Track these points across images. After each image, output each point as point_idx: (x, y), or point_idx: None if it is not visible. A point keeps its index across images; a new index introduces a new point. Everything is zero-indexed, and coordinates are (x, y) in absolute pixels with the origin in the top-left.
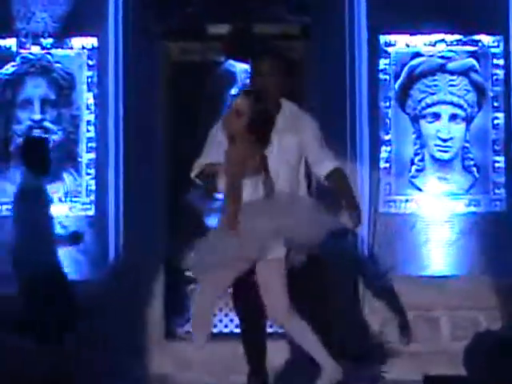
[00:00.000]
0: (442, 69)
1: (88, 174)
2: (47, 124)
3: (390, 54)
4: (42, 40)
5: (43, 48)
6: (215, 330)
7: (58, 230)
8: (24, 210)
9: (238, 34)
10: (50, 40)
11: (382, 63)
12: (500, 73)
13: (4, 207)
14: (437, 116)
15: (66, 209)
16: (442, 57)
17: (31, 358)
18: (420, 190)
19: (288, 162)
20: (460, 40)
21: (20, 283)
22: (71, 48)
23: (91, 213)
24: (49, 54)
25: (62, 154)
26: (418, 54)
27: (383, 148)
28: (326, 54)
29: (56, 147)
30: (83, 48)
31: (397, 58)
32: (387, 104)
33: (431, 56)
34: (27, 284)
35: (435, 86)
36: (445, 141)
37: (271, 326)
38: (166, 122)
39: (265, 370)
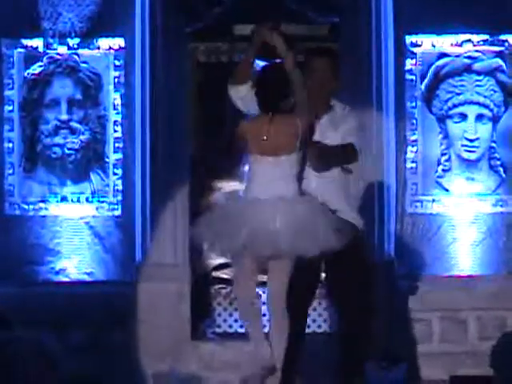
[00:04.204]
0: (468, 69)
1: (115, 174)
2: (74, 124)
3: (416, 54)
4: (68, 40)
5: (70, 48)
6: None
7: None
8: None
9: None
10: (77, 40)
11: (409, 63)
12: None
13: (31, 207)
14: (463, 116)
15: (92, 209)
16: (469, 57)
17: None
18: (446, 190)
19: None
20: (486, 40)
21: None
22: (98, 48)
23: (118, 213)
24: (75, 54)
25: (88, 154)
26: (444, 55)
27: (409, 148)
28: (352, 55)
29: (83, 147)
30: (110, 48)
31: (423, 58)
32: (413, 104)
33: (457, 56)
34: None
35: (462, 86)
36: (471, 141)
37: None
38: (193, 122)
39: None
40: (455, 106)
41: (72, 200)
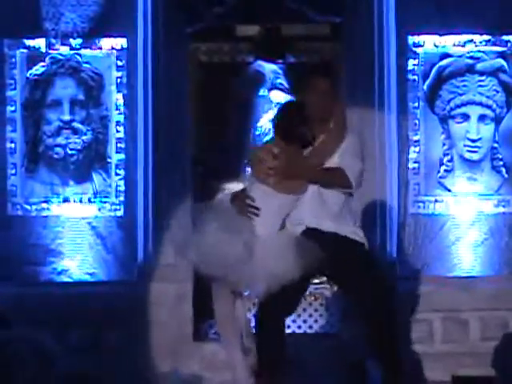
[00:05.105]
0: (470, 69)
1: (117, 174)
2: (76, 124)
3: (418, 54)
4: (71, 40)
5: (72, 48)
6: None
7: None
8: None
9: (268, 34)
10: (79, 40)
11: (411, 64)
12: None
13: (34, 207)
14: (466, 116)
15: (95, 209)
16: (471, 57)
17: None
18: (449, 190)
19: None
20: (489, 40)
21: None
22: (100, 48)
23: (120, 213)
24: (78, 54)
25: (91, 155)
26: (446, 55)
27: (412, 149)
28: (354, 55)
29: (85, 148)
30: (112, 48)
31: (425, 58)
32: (416, 104)
33: (460, 56)
34: None
35: (464, 86)
36: (474, 141)
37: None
38: (195, 123)
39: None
40: (458, 106)
41: (74, 200)
